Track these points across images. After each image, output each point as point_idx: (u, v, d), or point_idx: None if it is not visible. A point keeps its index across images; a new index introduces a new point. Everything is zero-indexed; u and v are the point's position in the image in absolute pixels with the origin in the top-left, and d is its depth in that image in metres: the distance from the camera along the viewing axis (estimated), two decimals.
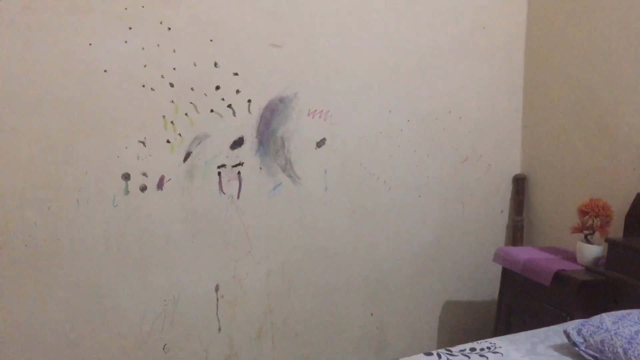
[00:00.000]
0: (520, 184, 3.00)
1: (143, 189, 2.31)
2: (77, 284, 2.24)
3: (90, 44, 2.17)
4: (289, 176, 2.56)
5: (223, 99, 2.41)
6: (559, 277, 2.33)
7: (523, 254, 2.59)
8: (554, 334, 2.03)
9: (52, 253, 2.18)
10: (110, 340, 2.31)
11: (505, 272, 2.68)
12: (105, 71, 2.20)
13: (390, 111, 2.72)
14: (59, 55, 2.13)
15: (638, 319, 1.82)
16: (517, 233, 2.97)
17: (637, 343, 1.73)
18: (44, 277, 2.18)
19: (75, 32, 2.15)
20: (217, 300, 2.49)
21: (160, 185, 2.33)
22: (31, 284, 2.16)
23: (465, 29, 2.82)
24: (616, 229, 2.42)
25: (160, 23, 2.27)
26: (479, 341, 2.02)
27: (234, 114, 2.43)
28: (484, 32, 2.87)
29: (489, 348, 1.95)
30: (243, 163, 2.47)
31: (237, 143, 2.45)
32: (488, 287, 2.97)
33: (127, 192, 2.28)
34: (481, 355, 1.91)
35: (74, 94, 2.16)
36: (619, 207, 2.43)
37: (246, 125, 2.46)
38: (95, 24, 2.17)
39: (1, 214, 2.09)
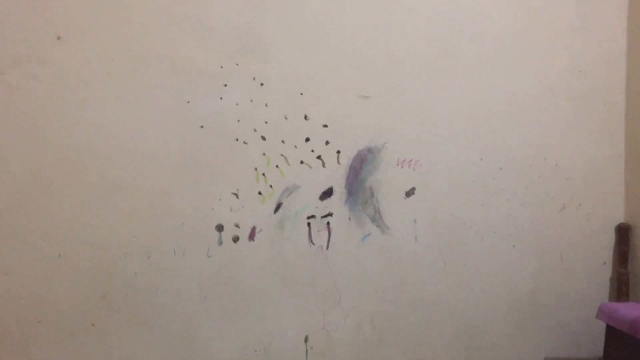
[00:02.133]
0: (624, 233, 2.82)
1: (236, 239, 2.36)
2: (173, 332, 2.31)
3: (188, 102, 2.29)
4: (378, 226, 2.55)
5: (313, 151, 2.44)
6: None
7: (630, 311, 2.41)
8: None
9: (150, 302, 2.27)
10: None
11: (611, 330, 2.50)
12: (201, 127, 2.30)
13: (481, 159, 2.65)
14: (161, 113, 2.26)
15: None
16: (622, 287, 2.78)
17: None
18: (142, 325, 2.27)
19: (175, 91, 2.27)
20: (307, 351, 2.48)
21: (252, 236, 2.38)
22: (130, 331, 2.26)
23: (560, 72, 2.73)
24: None
25: (253, 79, 2.36)
26: None
27: (323, 165, 2.46)
28: (580, 75, 2.76)
29: None
30: (332, 213, 2.48)
31: (327, 193, 2.47)
32: (591, 345, 2.77)
33: (220, 242, 2.35)
34: None
35: (173, 149, 2.27)
36: None
37: (335, 175, 2.48)
38: (192, 83, 2.29)
39: (105, 265, 2.21)
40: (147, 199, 2.25)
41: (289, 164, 2.41)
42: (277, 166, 2.40)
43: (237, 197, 2.36)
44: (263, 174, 2.39)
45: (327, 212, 2.48)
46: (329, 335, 2.50)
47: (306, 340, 2.48)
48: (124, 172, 2.22)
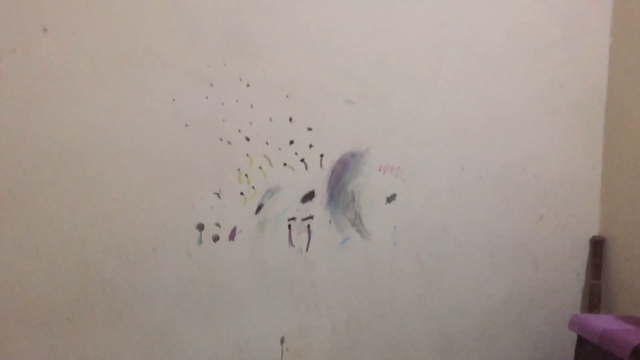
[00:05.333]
0: (598, 246, 2.88)
1: (216, 239, 2.36)
2: (150, 330, 2.30)
3: (174, 100, 2.28)
4: (358, 231, 2.57)
5: (296, 153, 2.45)
6: (639, 351, 2.20)
7: (601, 323, 2.47)
8: None
9: (128, 299, 2.26)
10: None
11: (581, 341, 2.55)
12: (186, 125, 2.30)
13: (462, 168, 2.69)
14: (145, 109, 2.24)
15: None
16: (594, 298, 2.84)
17: None
18: (119, 322, 2.26)
19: (161, 87, 2.26)
20: (282, 352, 2.50)
21: (232, 236, 2.39)
22: (107, 327, 2.25)
23: (542, 86, 2.77)
24: None
25: (240, 80, 2.36)
26: None
27: (306, 167, 2.47)
28: (561, 89, 2.81)
29: None
30: (313, 216, 2.49)
31: (308, 196, 2.48)
32: (562, 353, 2.83)
33: (200, 241, 2.34)
34: None
35: (157, 146, 2.26)
36: None
37: (318, 179, 2.49)
38: (179, 81, 2.28)
39: (83, 261, 2.19)
40: (127, 195, 2.23)
41: (272, 166, 2.42)
42: (260, 167, 2.40)
43: (219, 196, 2.36)
44: (246, 175, 2.39)
45: (308, 215, 2.49)
46: (305, 336, 2.52)
47: (282, 341, 2.49)
48: (105, 167, 2.21)
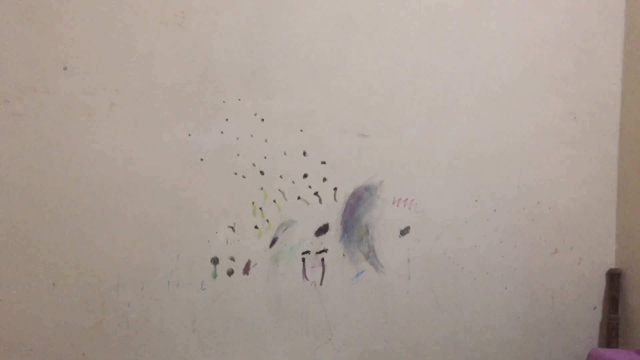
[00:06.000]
0: (615, 279, 2.85)
1: (230, 273, 2.37)
2: None
3: (189, 135, 2.31)
4: (372, 264, 2.56)
5: (310, 187, 2.47)
6: None
7: (619, 357, 2.43)
8: None
9: (143, 333, 2.27)
10: None
11: None
12: (201, 160, 2.33)
13: (476, 200, 2.69)
14: (162, 144, 2.28)
15: None
16: (611, 332, 2.80)
17: None
18: (134, 356, 2.27)
19: (177, 123, 2.30)
20: None
21: (246, 270, 2.39)
22: None
23: (555, 118, 2.77)
24: None
25: (255, 115, 2.39)
26: None
27: (320, 201, 2.48)
28: (574, 121, 2.81)
29: None
30: (327, 250, 2.50)
31: (322, 230, 2.49)
32: None
33: (215, 275, 2.36)
34: None
35: (172, 181, 2.29)
36: None
37: (331, 212, 2.50)
38: (194, 116, 2.32)
39: (98, 295, 2.21)
40: (143, 229, 2.26)
41: (286, 199, 2.44)
42: (274, 201, 2.42)
43: (234, 230, 2.37)
44: (260, 208, 2.41)
45: (322, 248, 2.49)
46: None
47: None
48: (122, 202, 2.24)
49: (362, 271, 2.55)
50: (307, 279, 2.48)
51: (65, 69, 2.19)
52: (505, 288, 2.74)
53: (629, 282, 2.83)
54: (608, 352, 2.54)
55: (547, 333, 2.79)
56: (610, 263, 2.89)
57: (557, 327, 2.81)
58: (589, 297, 2.86)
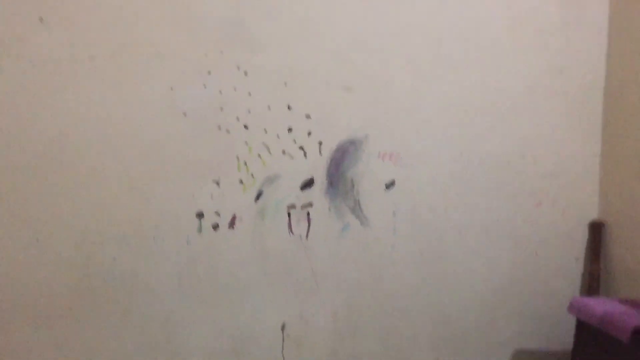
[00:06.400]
0: (596, 230, 2.88)
1: (215, 227, 2.37)
2: (151, 318, 2.32)
3: (171, 88, 2.28)
4: (358, 218, 2.57)
5: (295, 141, 2.45)
6: (639, 334, 2.21)
7: (601, 306, 2.48)
8: None
9: (129, 287, 2.28)
10: None
11: (581, 324, 2.56)
12: (184, 114, 2.30)
13: (461, 154, 2.69)
14: (143, 99, 2.25)
15: None
16: (593, 282, 2.85)
17: None
18: (120, 310, 2.28)
19: (159, 77, 2.26)
20: (283, 339, 2.51)
21: (232, 224, 2.39)
22: (108, 316, 2.26)
23: (541, 71, 2.76)
24: None
25: (238, 68, 2.36)
26: None
27: (305, 155, 2.47)
28: (560, 74, 2.80)
29: None
30: (312, 204, 2.50)
31: (307, 184, 2.49)
32: (561, 337, 2.84)
33: (200, 230, 2.35)
34: None
35: (155, 135, 2.26)
36: None
37: (316, 166, 2.50)
38: (177, 70, 2.28)
39: (83, 250, 2.21)
40: (127, 184, 2.24)
41: (270, 154, 2.42)
42: (259, 155, 2.41)
43: (218, 185, 2.36)
44: (245, 163, 2.39)
45: (308, 202, 2.49)
46: (306, 323, 2.53)
47: (283, 328, 2.51)
48: (104, 157, 2.21)
49: (348, 225, 2.56)
50: (292, 233, 2.49)
51: (41, 20, 2.13)
52: (490, 240, 2.77)
53: (611, 233, 2.87)
54: (589, 300, 2.59)
55: (530, 283, 2.84)
56: (593, 215, 2.93)
57: (540, 278, 2.85)
58: (571, 249, 2.90)
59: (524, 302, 2.84)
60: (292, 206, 2.47)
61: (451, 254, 2.72)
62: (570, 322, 2.67)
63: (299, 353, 2.54)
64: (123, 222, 2.24)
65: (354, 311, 2.61)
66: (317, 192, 2.50)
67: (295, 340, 2.53)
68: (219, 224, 2.38)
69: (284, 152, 2.44)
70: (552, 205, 2.85)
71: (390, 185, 2.61)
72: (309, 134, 2.47)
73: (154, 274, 2.31)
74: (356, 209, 2.57)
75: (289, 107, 2.43)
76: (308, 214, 2.50)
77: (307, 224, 2.50)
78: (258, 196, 2.42)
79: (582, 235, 2.92)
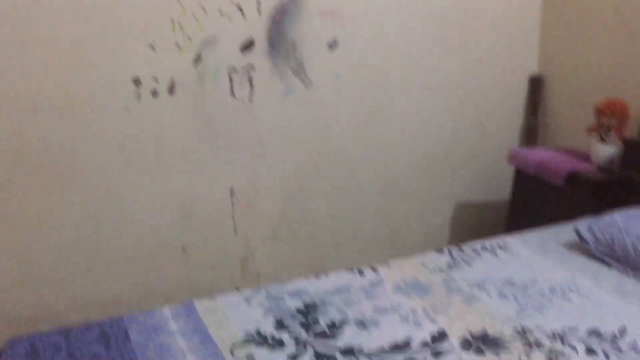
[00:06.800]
0: (536, 84, 2.94)
1: (154, 94, 2.29)
2: (96, 189, 2.28)
3: None
4: (301, 80, 2.53)
5: (231, 0, 2.33)
6: (572, 178, 2.34)
7: (537, 154, 2.58)
8: (565, 232, 2.06)
9: (69, 158, 2.21)
10: (131, 243, 2.38)
11: (519, 173, 2.68)
12: None
13: (404, 10, 2.63)
14: None
15: None
16: (531, 135, 2.95)
17: None
18: (63, 183, 2.22)
19: None
20: (233, 203, 2.53)
21: (171, 90, 2.31)
22: (51, 189, 2.20)
23: None
24: (633, 127, 2.39)
25: None
26: (490, 239, 2.06)
27: (243, 15, 2.36)
28: None
29: (499, 246, 2.00)
30: (254, 66, 2.43)
31: (247, 46, 2.40)
32: (501, 188, 2.98)
33: (138, 97, 2.27)
34: (492, 253, 1.95)
35: None
36: (638, 105, 2.39)
37: (256, 27, 2.40)
38: None
39: (15, 119, 2.10)
40: (56, 48, 2.10)
41: (206, 14, 2.30)
42: (194, 15, 2.28)
43: (153, 49, 2.25)
44: (179, 24, 2.27)
45: (249, 65, 2.42)
46: (255, 187, 2.55)
47: (232, 193, 2.52)
48: (29, 22, 2.05)
49: (291, 87, 2.52)
50: (235, 97, 2.43)
51: None
52: (433, 97, 2.80)
53: (549, 87, 2.93)
54: (527, 150, 2.69)
55: (472, 136, 2.92)
56: (533, 69, 2.97)
57: (481, 132, 2.93)
58: (511, 102, 2.97)
59: (467, 156, 2.94)
60: (233, 69, 2.40)
61: (396, 113, 2.74)
62: (510, 174, 2.79)
63: (249, 216, 2.58)
64: (55, 91, 2.12)
65: (301, 173, 2.64)
66: (258, 54, 2.42)
67: (245, 204, 2.56)
68: (158, 91, 2.30)
69: (220, 12, 2.32)
70: (494, 60, 2.88)
71: (333, 45, 2.55)
72: None
73: (94, 144, 2.23)
74: (299, 71, 2.52)
75: None
76: (250, 77, 2.44)
77: (249, 88, 2.45)
78: (196, 59, 2.33)
79: (522, 90, 2.98)
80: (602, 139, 2.37)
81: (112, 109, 2.24)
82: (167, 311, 1.62)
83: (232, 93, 2.42)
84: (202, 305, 1.65)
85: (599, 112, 2.35)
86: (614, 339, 1.45)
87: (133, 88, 2.25)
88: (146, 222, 2.39)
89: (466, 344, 1.44)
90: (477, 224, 3.06)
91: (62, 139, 2.18)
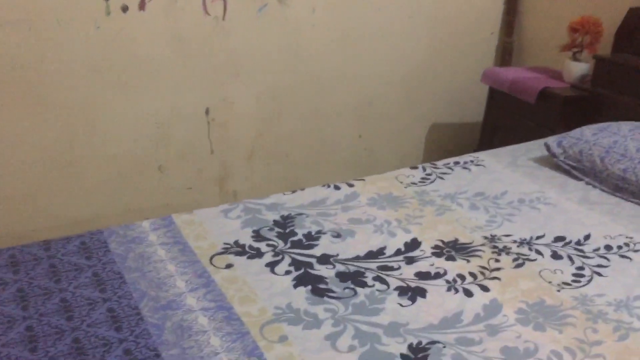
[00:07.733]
0: (511, 4, 2.92)
1: (125, 9, 2.22)
2: (68, 107, 2.23)
3: None
4: None
5: None
6: (544, 95, 2.37)
7: (510, 73, 2.60)
8: (536, 147, 2.12)
9: (40, 76, 2.15)
10: (107, 162, 2.37)
11: (493, 92, 2.71)
12: None
13: None
14: None
15: (617, 130, 1.89)
16: (506, 55, 2.96)
17: (614, 152, 1.81)
18: (34, 100, 2.17)
19: None
20: (208, 123, 2.52)
21: (142, 5, 2.24)
22: (22, 107, 2.16)
23: None
24: (606, 47, 2.41)
25: None
26: (463, 155, 2.11)
27: None
28: None
29: (472, 161, 2.04)
30: None
31: None
32: (476, 108, 3.01)
33: (108, 12, 2.20)
34: (464, 168, 2.00)
35: None
36: (611, 24, 2.40)
37: None
38: None
39: None
40: None
41: None
42: None
43: None
44: None
45: None
46: (230, 107, 2.54)
47: (207, 112, 2.50)
48: None
49: (266, 4, 2.46)
50: (208, 14, 2.37)
51: None
52: (409, 17, 2.76)
53: (525, 5, 2.91)
54: (500, 69, 2.71)
55: (448, 56, 2.92)
56: None
57: (457, 52, 2.93)
58: (487, 23, 2.96)
59: (442, 77, 2.95)
60: None
61: (371, 32, 2.71)
62: (484, 91, 2.81)
63: (225, 136, 2.58)
64: (20, 4, 2.04)
65: (276, 94, 2.62)
66: None
67: (221, 124, 2.55)
68: (128, 6, 2.22)
69: None
70: None
71: None
72: None
73: (64, 62, 2.18)
74: None
75: None
76: None
77: (222, 4, 2.38)
78: None
79: (497, 10, 2.96)
80: (575, 58, 2.39)
81: (82, 25, 2.17)
82: (146, 224, 1.64)
83: (205, 10, 2.35)
84: (180, 219, 1.67)
85: (572, 29, 2.36)
86: (578, 244, 1.52)
87: (102, 3, 2.18)
88: (121, 140, 2.37)
89: (438, 251, 1.50)
90: (451, 143, 3.11)
91: (32, 54, 2.12)
